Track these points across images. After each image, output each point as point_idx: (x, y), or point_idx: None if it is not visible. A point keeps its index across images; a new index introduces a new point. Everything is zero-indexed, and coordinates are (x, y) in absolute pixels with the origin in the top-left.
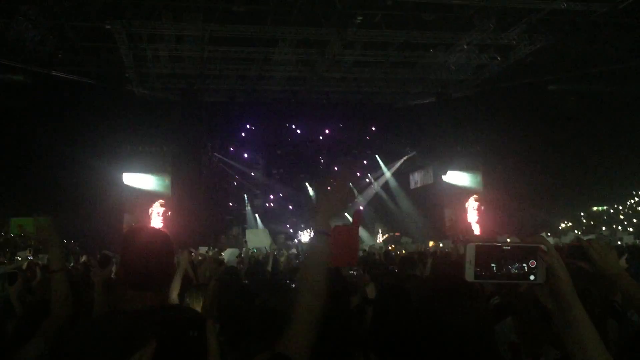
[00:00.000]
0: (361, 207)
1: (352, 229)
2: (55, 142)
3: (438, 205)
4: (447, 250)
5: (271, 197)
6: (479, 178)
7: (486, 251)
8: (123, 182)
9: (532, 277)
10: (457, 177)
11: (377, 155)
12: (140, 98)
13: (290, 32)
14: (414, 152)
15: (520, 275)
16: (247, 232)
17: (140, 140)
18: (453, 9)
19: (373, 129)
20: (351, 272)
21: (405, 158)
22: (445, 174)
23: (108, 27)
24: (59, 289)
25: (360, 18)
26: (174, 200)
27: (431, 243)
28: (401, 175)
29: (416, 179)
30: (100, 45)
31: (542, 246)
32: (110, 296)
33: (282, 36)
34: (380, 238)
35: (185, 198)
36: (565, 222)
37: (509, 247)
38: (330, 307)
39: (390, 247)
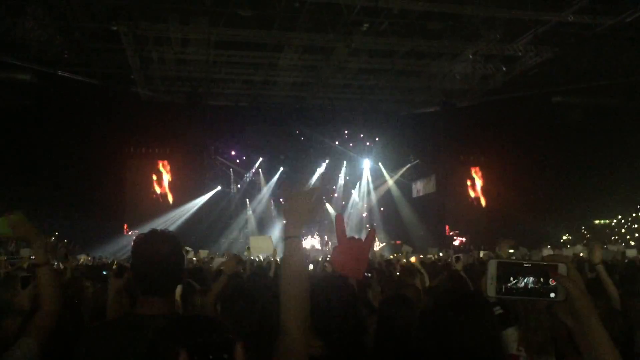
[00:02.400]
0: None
1: (365, 243)
2: (59, 141)
3: (440, 214)
4: (449, 260)
5: (272, 202)
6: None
7: (507, 268)
8: (126, 182)
9: (552, 295)
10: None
11: (380, 163)
12: (145, 100)
13: (296, 37)
14: (417, 161)
15: (540, 292)
16: (251, 239)
17: (144, 141)
18: (459, 19)
19: (377, 137)
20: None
21: (408, 166)
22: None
23: (115, 28)
24: (46, 283)
25: (366, 25)
26: (175, 202)
27: (437, 254)
28: (404, 184)
29: (418, 187)
30: (107, 47)
31: (561, 265)
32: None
33: (288, 42)
34: (377, 246)
35: (187, 200)
36: (567, 235)
37: (529, 265)
38: (340, 318)
39: (391, 256)
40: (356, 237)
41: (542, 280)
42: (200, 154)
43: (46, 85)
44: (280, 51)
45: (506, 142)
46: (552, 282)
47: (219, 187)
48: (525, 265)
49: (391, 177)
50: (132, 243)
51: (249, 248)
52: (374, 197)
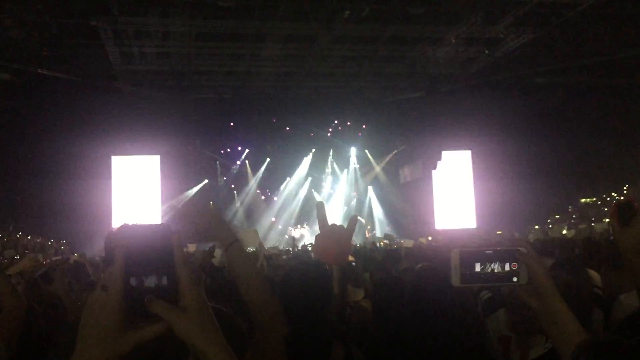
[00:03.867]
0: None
1: (346, 230)
2: (42, 141)
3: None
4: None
5: (259, 192)
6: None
7: (470, 256)
8: (112, 178)
9: (515, 279)
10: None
11: (366, 151)
12: (128, 95)
13: (277, 27)
14: (404, 147)
15: (503, 277)
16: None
17: (129, 138)
18: (440, 3)
19: (362, 125)
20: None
21: (394, 152)
22: (435, 168)
23: (93, 23)
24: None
25: (347, 12)
26: (163, 197)
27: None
28: (391, 170)
29: (406, 173)
30: (86, 42)
31: (521, 249)
32: None
33: (270, 31)
34: (366, 233)
35: (175, 195)
36: (555, 214)
37: (491, 251)
38: (309, 298)
39: (380, 243)
40: (338, 224)
41: (504, 265)
42: (186, 148)
43: (26, 84)
44: (263, 41)
45: (491, 124)
46: (514, 267)
47: (206, 180)
48: (487, 252)
49: (378, 164)
50: (104, 239)
51: None
52: (361, 184)
